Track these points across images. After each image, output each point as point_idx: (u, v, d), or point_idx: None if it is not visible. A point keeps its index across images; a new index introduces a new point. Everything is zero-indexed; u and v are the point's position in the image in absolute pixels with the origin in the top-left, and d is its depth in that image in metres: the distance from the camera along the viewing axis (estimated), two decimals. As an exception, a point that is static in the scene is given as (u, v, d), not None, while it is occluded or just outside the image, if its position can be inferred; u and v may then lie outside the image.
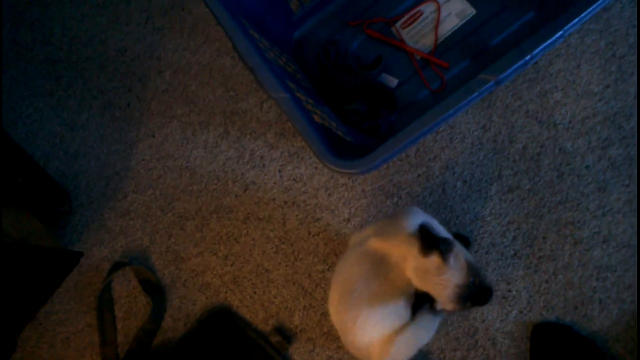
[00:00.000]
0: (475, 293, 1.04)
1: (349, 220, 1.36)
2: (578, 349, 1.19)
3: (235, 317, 1.35)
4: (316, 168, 1.39)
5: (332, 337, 1.31)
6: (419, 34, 1.40)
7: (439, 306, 1.05)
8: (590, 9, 1.00)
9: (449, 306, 1.04)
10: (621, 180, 1.27)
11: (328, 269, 1.34)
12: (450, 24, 1.39)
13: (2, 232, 1.18)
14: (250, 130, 1.43)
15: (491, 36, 1.36)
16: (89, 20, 1.55)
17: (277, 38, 1.35)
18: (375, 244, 1.08)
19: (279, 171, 1.40)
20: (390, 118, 1.36)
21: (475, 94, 0.98)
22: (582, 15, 1.00)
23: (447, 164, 1.34)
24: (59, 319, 1.41)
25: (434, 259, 1.01)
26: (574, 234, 1.27)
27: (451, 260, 1.01)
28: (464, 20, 1.39)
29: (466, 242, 1.19)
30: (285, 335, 1.32)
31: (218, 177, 1.42)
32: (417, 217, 1.10)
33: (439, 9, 1.40)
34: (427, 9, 1.41)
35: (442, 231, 1.10)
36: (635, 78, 1.31)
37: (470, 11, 1.39)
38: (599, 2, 1.00)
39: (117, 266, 1.40)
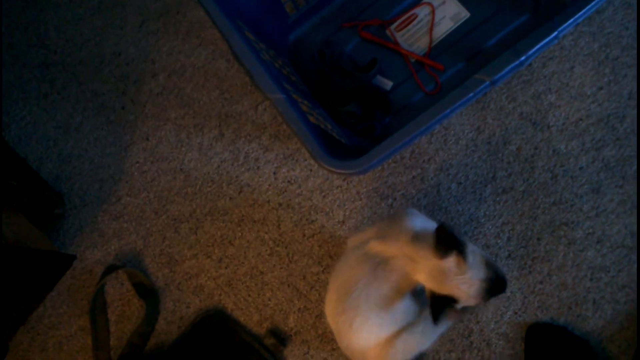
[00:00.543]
0: (494, 284, 1.03)
1: (343, 222, 1.36)
2: (572, 349, 1.19)
3: (230, 319, 1.34)
4: (311, 170, 1.39)
5: (326, 339, 1.30)
6: (413, 37, 1.41)
7: (459, 306, 1.03)
8: (584, 10, 1.00)
9: (472, 302, 1.02)
10: (615, 181, 1.28)
11: (323, 271, 1.34)
12: (444, 26, 1.40)
13: (-4, 234, 1.18)
14: (245, 132, 1.43)
15: (486, 39, 1.37)
16: (84, 23, 1.55)
17: (272, 41, 1.35)
18: (376, 246, 1.07)
19: (274, 173, 1.40)
20: (385, 120, 1.36)
21: (471, 94, 0.98)
22: (576, 16, 1.00)
23: (441, 166, 1.34)
24: (51, 322, 1.40)
25: (453, 260, 0.99)
26: (568, 234, 1.27)
27: (470, 257, 0.99)
28: (459, 23, 1.39)
29: None
30: (280, 337, 1.31)
31: (212, 179, 1.42)
32: (416, 219, 1.10)
33: (433, 12, 1.41)
34: (422, 11, 1.42)
35: None
36: (628, 80, 1.32)
37: (465, 14, 1.39)
38: (593, 4, 1.00)
39: (110, 269, 1.39)
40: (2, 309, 1.23)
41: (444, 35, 1.40)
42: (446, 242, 0.98)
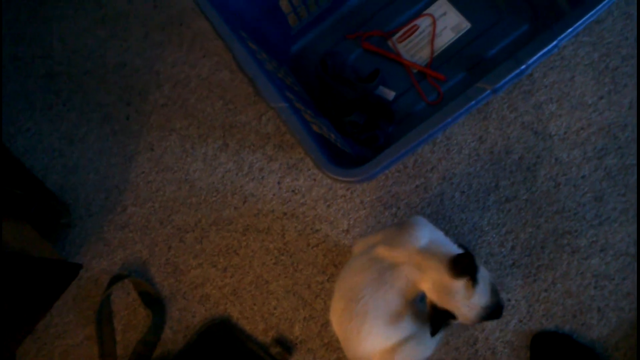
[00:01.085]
0: (492, 312, 1.03)
1: (348, 231, 1.36)
2: (578, 357, 1.19)
3: (235, 328, 1.35)
4: (315, 180, 1.40)
5: (332, 348, 1.31)
6: (415, 47, 1.42)
7: (456, 323, 1.04)
8: (584, 19, 1.02)
9: (467, 323, 1.03)
10: (617, 189, 1.29)
11: (327, 280, 1.34)
12: (446, 37, 1.41)
13: (1, 243, 1.18)
14: (249, 142, 1.44)
15: (486, 49, 1.38)
16: (89, 34, 1.57)
17: (275, 51, 1.37)
18: (383, 252, 1.08)
19: (278, 183, 1.41)
20: (388, 130, 1.37)
21: (472, 102, 0.99)
22: (576, 25, 1.01)
23: (444, 175, 1.35)
24: (57, 332, 1.40)
25: (464, 283, 0.99)
26: (572, 243, 1.28)
27: (480, 284, 1.00)
28: (460, 34, 1.41)
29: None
30: (286, 346, 1.32)
31: (217, 189, 1.43)
32: (425, 228, 1.11)
33: (434, 23, 1.42)
34: (423, 22, 1.43)
35: (448, 242, 1.10)
36: (628, 89, 1.33)
37: (466, 25, 1.41)
38: (592, 12, 1.02)
39: (116, 279, 1.40)
40: (9, 318, 1.23)
41: (445, 46, 1.41)
42: (464, 267, 0.99)
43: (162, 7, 1.56)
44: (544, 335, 1.23)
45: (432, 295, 1.02)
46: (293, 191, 1.40)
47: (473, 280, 0.99)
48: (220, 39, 1.13)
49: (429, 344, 1.14)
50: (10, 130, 1.52)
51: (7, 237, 1.20)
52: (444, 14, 1.43)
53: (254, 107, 1.46)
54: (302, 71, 1.45)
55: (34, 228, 1.31)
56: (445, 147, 1.37)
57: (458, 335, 1.27)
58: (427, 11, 1.44)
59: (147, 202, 1.44)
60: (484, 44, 1.39)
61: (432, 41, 1.41)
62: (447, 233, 1.30)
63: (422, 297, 1.07)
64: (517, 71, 1.02)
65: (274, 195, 1.41)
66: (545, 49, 1.02)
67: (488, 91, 1.01)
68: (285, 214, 1.39)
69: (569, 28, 1.03)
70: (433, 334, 1.02)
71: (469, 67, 1.39)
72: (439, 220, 1.33)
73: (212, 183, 1.43)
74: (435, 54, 1.41)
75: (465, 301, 0.99)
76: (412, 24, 1.43)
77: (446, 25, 1.42)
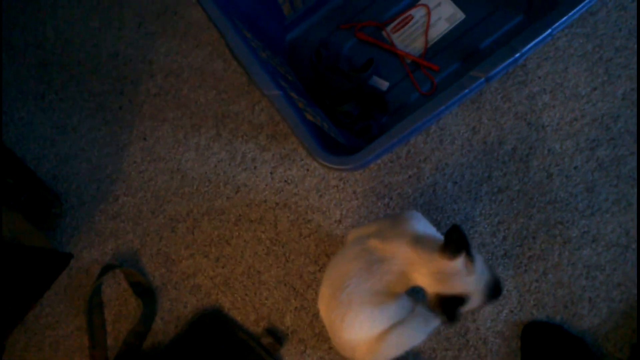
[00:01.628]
0: (494, 287, 1.03)
1: (340, 221, 1.36)
2: (568, 347, 1.19)
3: (227, 319, 1.34)
4: (307, 170, 1.39)
5: (323, 338, 1.31)
6: (409, 38, 1.42)
7: (468, 307, 1.02)
8: (578, 8, 1.02)
9: (476, 303, 1.02)
10: (609, 180, 1.29)
11: (319, 270, 1.34)
12: (440, 27, 1.41)
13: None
14: (241, 132, 1.44)
15: (481, 39, 1.38)
16: (82, 24, 1.56)
17: (270, 41, 1.36)
18: (375, 244, 1.07)
19: (271, 173, 1.41)
20: (382, 120, 1.37)
21: (466, 90, 0.99)
22: (570, 14, 1.02)
23: (437, 166, 1.35)
24: (47, 322, 1.39)
25: (461, 261, 0.98)
26: (563, 233, 1.28)
27: (477, 259, 0.99)
28: (454, 24, 1.41)
29: None
30: (277, 336, 1.32)
31: (209, 179, 1.43)
32: (419, 223, 1.10)
33: (429, 14, 1.42)
34: (418, 13, 1.43)
35: (440, 237, 1.09)
36: (622, 80, 1.33)
37: (460, 15, 1.41)
38: (586, 1, 1.02)
39: (107, 269, 1.39)
40: (-2, 307, 1.23)
41: (439, 37, 1.41)
42: (457, 242, 0.98)
43: (156, -3, 1.55)
44: (535, 325, 1.23)
45: (434, 287, 1.01)
46: (286, 181, 1.40)
47: (469, 254, 0.98)
48: (215, 26, 1.12)
49: (421, 331, 1.14)
50: (3, 119, 1.51)
51: (-3, 225, 1.20)
52: (439, 4, 1.43)
53: (247, 96, 1.46)
54: (296, 60, 1.44)
55: (25, 217, 1.31)
56: (438, 137, 1.36)
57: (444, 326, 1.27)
58: (422, 1, 1.43)
59: (139, 191, 1.44)
60: (479, 35, 1.39)
61: (426, 32, 1.41)
62: (439, 223, 1.32)
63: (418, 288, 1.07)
64: (511, 59, 1.02)
65: (266, 185, 1.40)
66: (539, 38, 1.02)
67: (481, 79, 1.01)
68: (277, 204, 1.39)
69: (563, 17, 1.03)
70: (452, 319, 0.99)
71: (463, 58, 1.38)
72: (431, 211, 1.33)
73: (205, 173, 1.43)
74: (430, 44, 1.41)
75: (469, 279, 0.99)
76: (406, 14, 1.43)
77: (441, 16, 1.42)
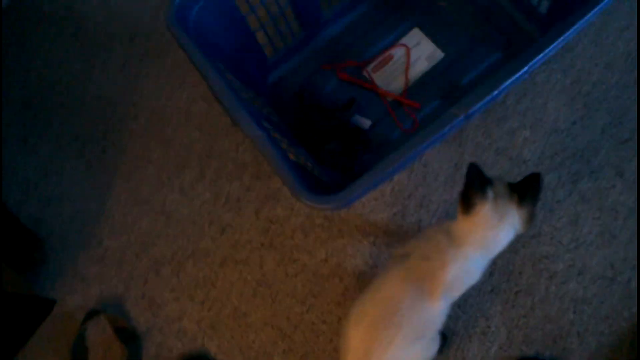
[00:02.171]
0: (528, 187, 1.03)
1: (326, 260, 1.35)
2: (559, 383, 1.18)
3: (213, 362, 1.32)
4: (292, 209, 1.39)
5: (312, 380, 1.29)
6: (390, 77, 1.43)
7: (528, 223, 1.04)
8: (553, 45, 1.03)
9: (528, 223, 1.04)
10: (592, 213, 1.30)
11: (307, 311, 1.33)
12: (420, 66, 1.43)
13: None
14: (226, 172, 1.44)
15: (460, 77, 1.40)
16: (66, 66, 1.57)
17: (252, 82, 1.37)
18: (418, 264, 1.06)
19: (256, 213, 1.40)
20: (365, 158, 1.37)
21: (447, 128, 1.00)
22: (546, 50, 1.03)
23: (422, 202, 1.35)
24: (30, 370, 1.37)
25: (486, 206, 1.01)
26: (549, 267, 1.28)
27: (499, 189, 1.03)
28: (434, 63, 1.43)
29: None
30: (265, 379, 1.30)
31: (194, 220, 1.42)
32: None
33: (408, 53, 1.44)
34: (397, 52, 1.45)
35: None
36: (600, 114, 1.35)
37: (439, 54, 1.43)
38: (561, 38, 1.03)
39: (91, 314, 1.37)
40: (-21, 358, 1.20)
41: (420, 75, 1.43)
42: (475, 181, 1.01)
43: (140, 39, 1.57)
44: (525, 361, 1.22)
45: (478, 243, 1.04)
46: (271, 221, 1.39)
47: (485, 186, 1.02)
48: (197, 69, 1.13)
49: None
50: (-16, 164, 1.51)
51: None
52: (418, 43, 1.45)
53: (231, 136, 1.46)
54: (279, 100, 1.45)
55: (7, 263, 1.29)
56: (422, 174, 1.37)
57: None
58: (402, 41, 1.46)
59: (122, 234, 1.43)
60: (458, 72, 1.41)
61: (406, 70, 1.43)
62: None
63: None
64: (489, 97, 1.03)
65: (251, 225, 1.40)
66: (517, 75, 1.04)
67: (461, 117, 1.01)
68: (263, 244, 1.38)
69: (539, 54, 1.05)
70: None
71: (444, 95, 1.40)
72: (417, 247, 1.33)
73: (189, 214, 1.42)
74: (410, 82, 1.42)
75: (507, 208, 1.02)
76: (386, 54, 1.45)
77: (420, 55, 1.44)
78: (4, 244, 1.30)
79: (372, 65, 1.45)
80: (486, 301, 1.27)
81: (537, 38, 1.40)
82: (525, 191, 1.03)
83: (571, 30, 1.04)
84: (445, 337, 1.24)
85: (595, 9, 1.05)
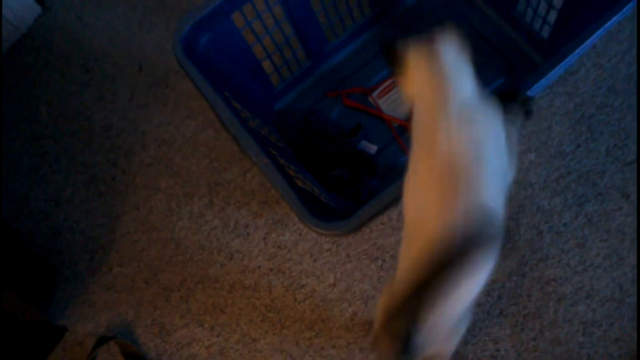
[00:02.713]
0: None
1: (334, 285, 1.36)
2: (570, 407, 1.18)
3: (223, 389, 1.32)
4: (300, 235, 1.40)
5: (321, 406, 1.29)
6: (395, 102, 1.45)
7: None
8: (556, 68, 1.05)
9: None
10: (599, 235, 1.30)
11: (315, 336, 1.33)
12: (425, 91, 1.45)
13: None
14: (234, 199, 1.45)
15: (464, 102, 1.41)
16: (75, 97, 1.59)
17: (259, 110, 1.39)
18: None
19: (264, 239, 1.41)
20: (372, 183, 1.39)
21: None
22: (549, 74, 1.05)
23: (429, 226, 1.36)
24: (40, 399, 1.37)
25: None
26: (557, 290, 1.28)
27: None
28: (438, 88, 1.44)
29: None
30: (274, 406, 1.29)
31: (203, 247, 1.43)
32: None
33: (413, 78, 1.46)
34: (402, 78, 1.47)
35: None
36: (604, 137, 1.36)
37: (444, 79, 1.45)
38: (562, 63, 1.05)
39: (101, 341, 1.38)
40: (-10, 386, 1.21)
41: (425, 100, 1.44)
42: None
43: (148, 70, 1.60)
44: (536, 385, 1.22)
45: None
46: (279, 246, 1.40)
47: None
48: (204, 98, 1.15)
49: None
50: (-4, 194, 1.53)
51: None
52: (422, 69, 1.47)
53: (239, 164, 1.48)
54: (286, 127, 1.47)
55: (18, 291, 1.30)
56: (428, 198, 1.38)
57: None
58: (406, 67, 1.48)
59: (132, 262, 1.44)
60: (462, 97, 1.42)
61: (411, 96, 1.45)
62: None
63: None
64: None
65: (260, 251, 1.41)
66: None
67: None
68: (271, 269, 1.39)
69: (541, 78, 1.07)
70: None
71: (449, 120, 1.41)
72: (425, 271, 1.33)
73: (198, 241, 1.43)
74: (415, 107, 1.44)
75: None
76: (392, 80, 1.47)
77: (424, 80, 1.46)
78: (19, 275, 1.31)
79: (377, 91, 1.47)
80: (495, 325, 1.27)
81: (539, 62, 1.42)
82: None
83: (572, 55, 1.06)
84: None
85: (601, 29, 1.07)
